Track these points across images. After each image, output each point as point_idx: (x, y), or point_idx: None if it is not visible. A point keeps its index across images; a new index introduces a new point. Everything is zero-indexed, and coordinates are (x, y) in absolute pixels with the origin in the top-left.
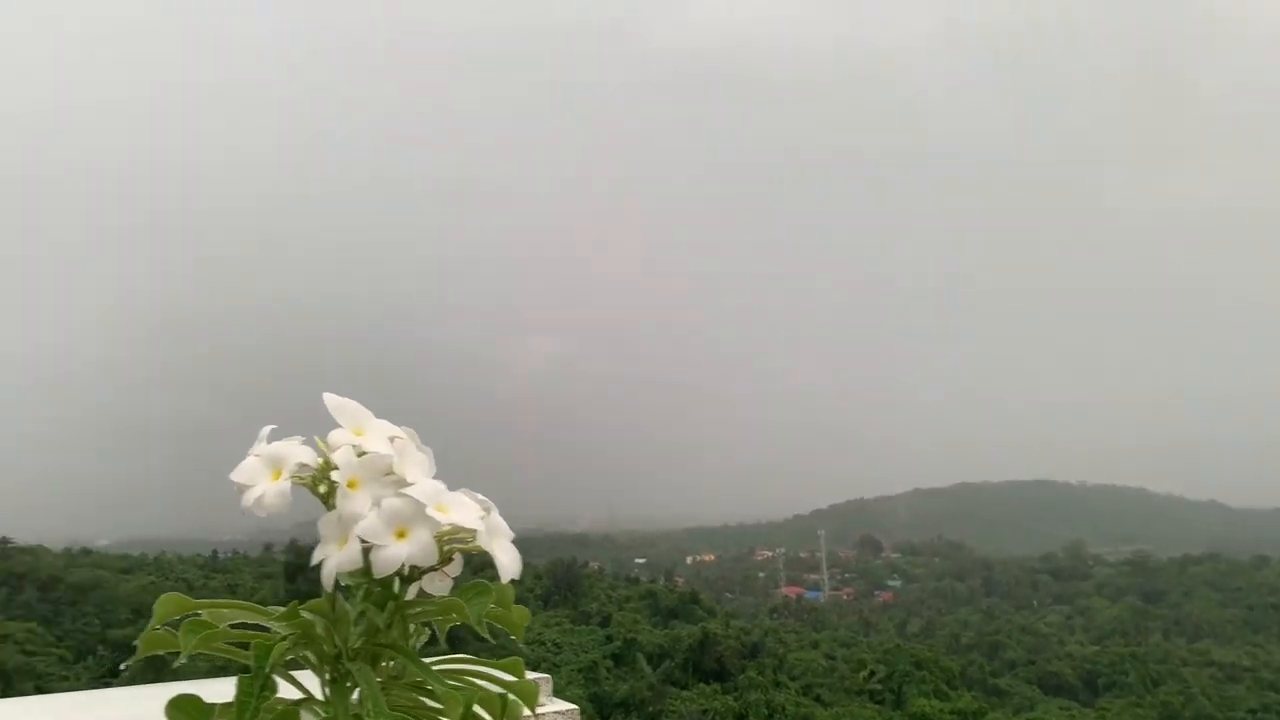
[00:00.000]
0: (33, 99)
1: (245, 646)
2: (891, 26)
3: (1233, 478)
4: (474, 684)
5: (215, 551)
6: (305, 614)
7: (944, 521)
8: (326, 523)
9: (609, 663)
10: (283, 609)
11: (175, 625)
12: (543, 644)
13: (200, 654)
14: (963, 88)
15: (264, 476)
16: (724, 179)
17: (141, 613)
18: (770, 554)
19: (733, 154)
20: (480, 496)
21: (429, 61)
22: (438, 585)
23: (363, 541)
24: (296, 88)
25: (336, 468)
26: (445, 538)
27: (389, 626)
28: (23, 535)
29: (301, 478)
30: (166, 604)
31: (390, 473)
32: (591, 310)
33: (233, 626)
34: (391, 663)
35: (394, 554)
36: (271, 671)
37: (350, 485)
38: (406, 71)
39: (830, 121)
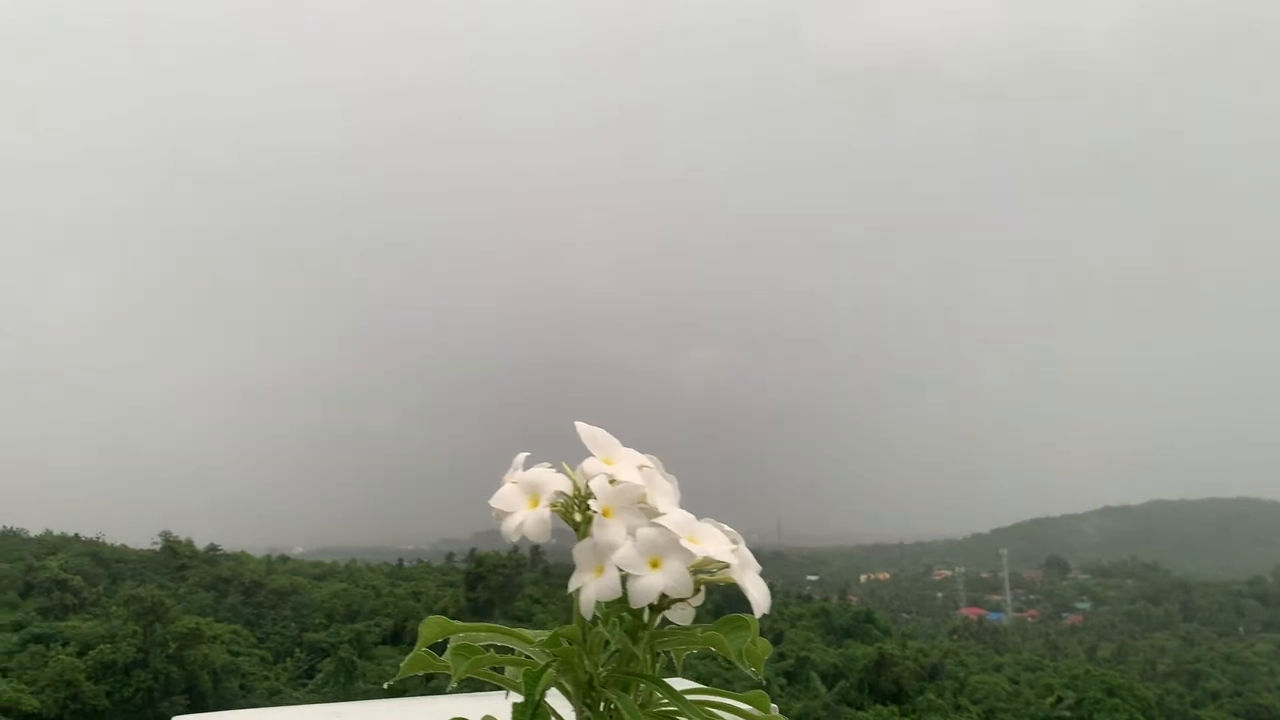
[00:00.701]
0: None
1: (498, 669)
2: (1078, 12)
3: None
4: (720, 716)
5: (401, 560)
6: (563, 640)
7: (1136, 541)
8: (581, 551)
9: (781, 680)
10: (536, 633)
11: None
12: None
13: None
14: (1157, 78)
15: (522, 503)
16: (899, 182)
17: (334, 617)
18: (949, 573)
19: (907, 156)
20: (727, 528)
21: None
22: (681, 615)
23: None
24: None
25: (593, 496)
26: (694, 569)
27: (638, 655)
28: (228, 543)
29: (556, 505)
30: (431, 626)
31: (642, 502)
32: (756, 319)
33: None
34: (639, 690)
35: (651, 584)
36: (541, 698)
37: (605, 514)
38: (570, 71)
39: (1014, 118)
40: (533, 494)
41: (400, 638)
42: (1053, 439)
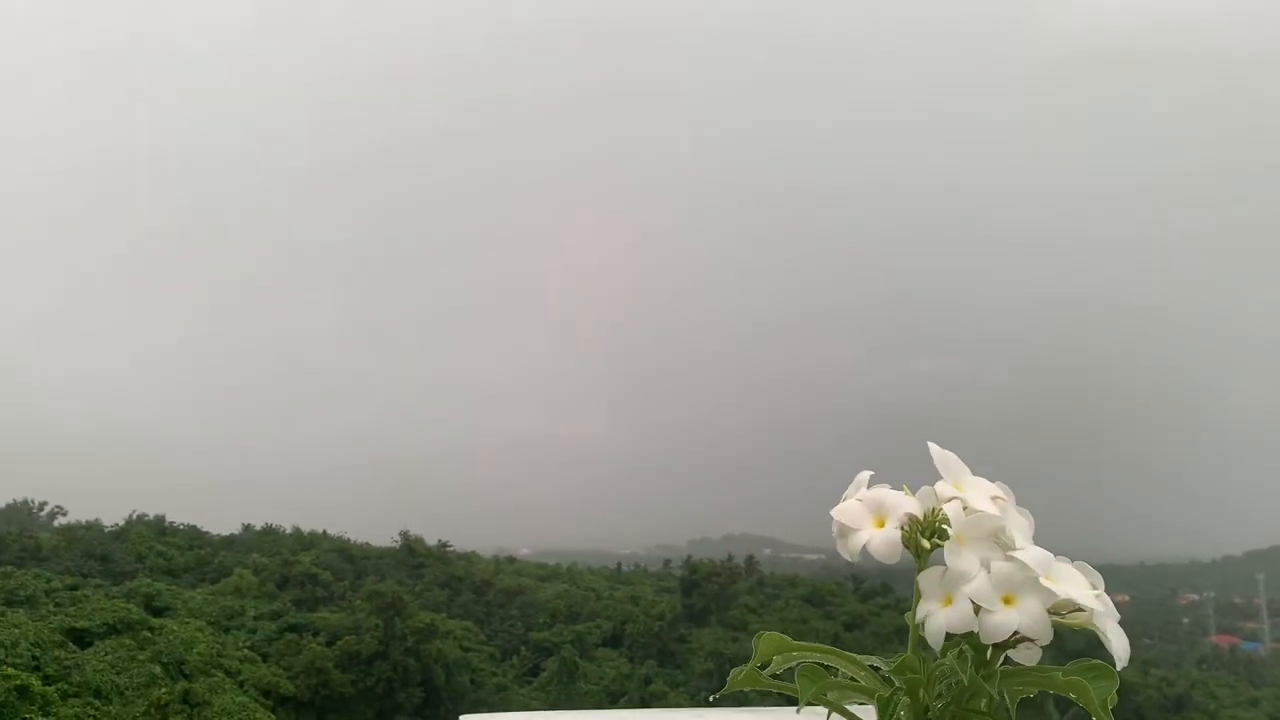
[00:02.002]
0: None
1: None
2: None
3: None
4: None
5: (619, 564)
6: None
7: None
8: (927, 579)
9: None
10: (864, 657)
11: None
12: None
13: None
14: None
15: (866, 521)
16: (1147, 172)
17: (557, 617)
18: (1196, 597)
19: (1156, 144)
20: (1089, 568)
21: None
22: (1025, 655)
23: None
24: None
25: (945, 522)
26: (1049, 610)
27: (988, 693)
28: (459, 542)
29: (904, 528)
30: (769, 643)
31: (997, 534)
32: (984, 324)
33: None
34: None
35: (1005, 621)
36: None
37: (958, 541)
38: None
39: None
40: (878, 513)
41: (619, 640)
42: None
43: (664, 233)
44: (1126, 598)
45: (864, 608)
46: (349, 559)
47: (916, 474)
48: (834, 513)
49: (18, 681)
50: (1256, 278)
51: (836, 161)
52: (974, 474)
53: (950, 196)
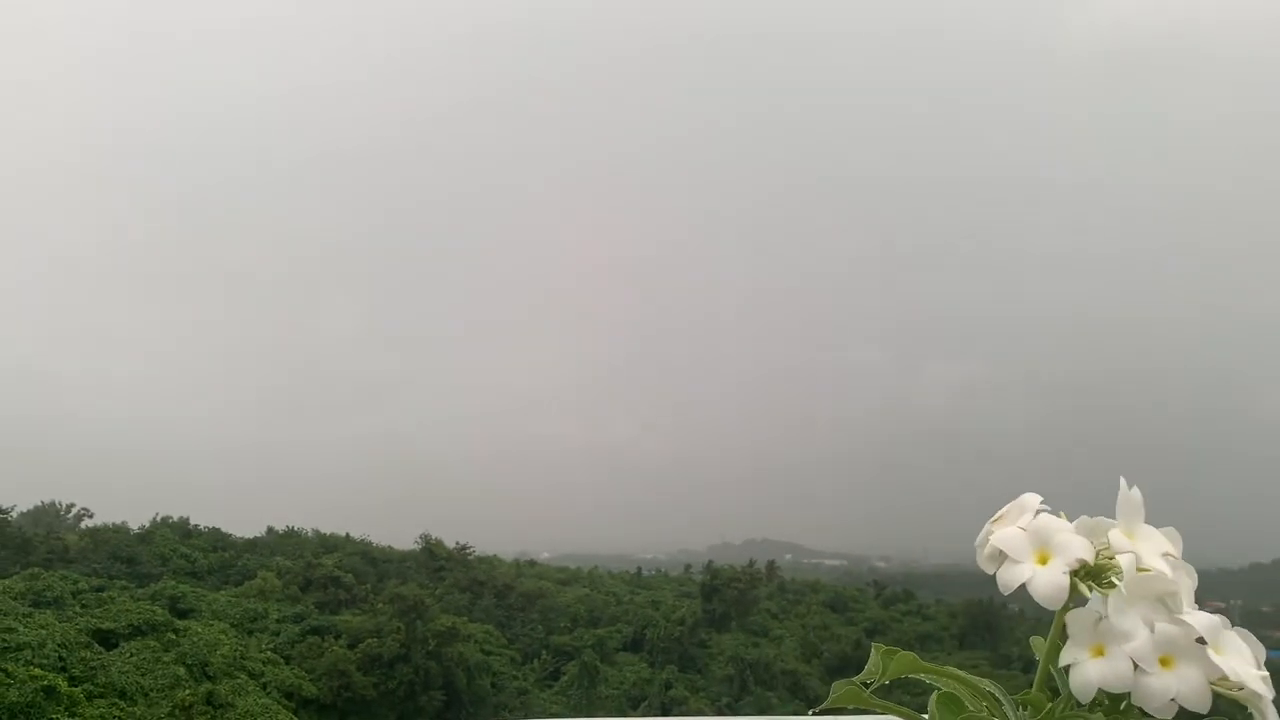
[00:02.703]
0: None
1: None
2: None
3: None
4: None
5: (640, 569)
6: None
7: None
8: (1079, 622)
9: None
10: (982, 680)
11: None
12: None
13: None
14: None
15: (1029, 555)
16: (1167, 179)
17: (578, 622)
18: (1223, 605)
19: (1181, 150)
20: (1252, 638)
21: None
22: (1163, 711)
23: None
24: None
25: (1114, 573)
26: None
27: None
28: (480, 545)
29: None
30: (902, 662)
31: (1167, 596)
32: (1008, 332)
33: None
34: None
35: (1164, 687)
36: None
37: (1123, 600)
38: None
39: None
40: (1042, 548)
41: (639, 645)
42: None
43: (689, 238)
44: None
45: (886, 614)
46: (371, 562)
47: (933, 484)
48: (995, 540)
49: (44, 682)
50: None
51: (862, 162)
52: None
53: (976, 200)
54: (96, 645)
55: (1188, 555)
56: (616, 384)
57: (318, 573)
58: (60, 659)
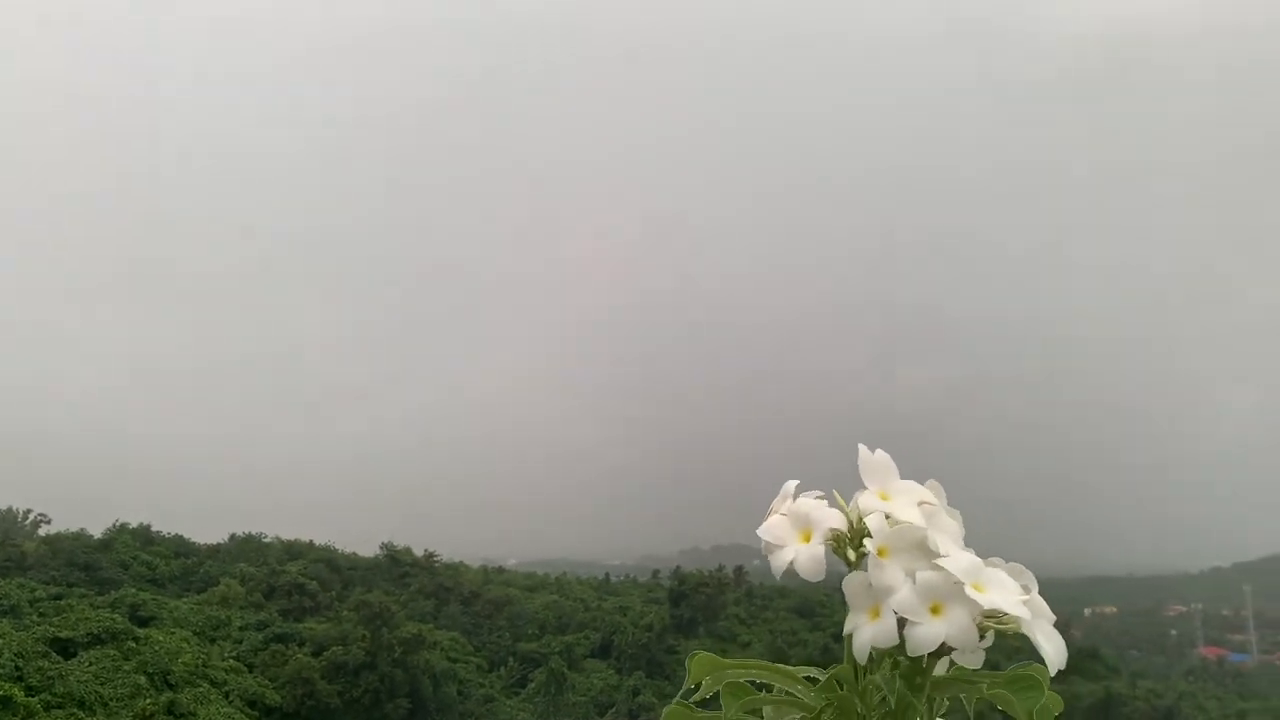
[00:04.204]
0: None
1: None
2: None
3: None
4: None
5: (608, 575)
6: (837, 685)
7: None
8: (853, 589)
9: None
10: (801, 669)
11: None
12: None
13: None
14: None
15: (793, 537)
16: (1133, 177)
17: (546, 628)
18: (1184, 609)
19: (1145, 151)
20: (1022, 569)
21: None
22: (969, 659)
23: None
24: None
25: (869, 535)
26: (980, 617)
27: (916, 706)
28: (447, 552)
29: (830, 542)
30: (701, 664)
31: (923, 544)
32: (981, 336)
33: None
34: None
35: (931, 633)
36: None
37: (880, 554)
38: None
39: (1259, 105)
40: (804, 527)
41: (607, 651)
42: None
43: (653, 245)
44: (1114, 609)
45: None
46: (336, 569)
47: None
48: (760, 531)
49: (0, 692)
50: (1241, 290)
51: (840, 164)
52: (902, 478)
53: (953, 204)
54: (54, 654)
55: (1151, 562)
56: (584, 391)
57: (281, 580)
58: (16, 668)
